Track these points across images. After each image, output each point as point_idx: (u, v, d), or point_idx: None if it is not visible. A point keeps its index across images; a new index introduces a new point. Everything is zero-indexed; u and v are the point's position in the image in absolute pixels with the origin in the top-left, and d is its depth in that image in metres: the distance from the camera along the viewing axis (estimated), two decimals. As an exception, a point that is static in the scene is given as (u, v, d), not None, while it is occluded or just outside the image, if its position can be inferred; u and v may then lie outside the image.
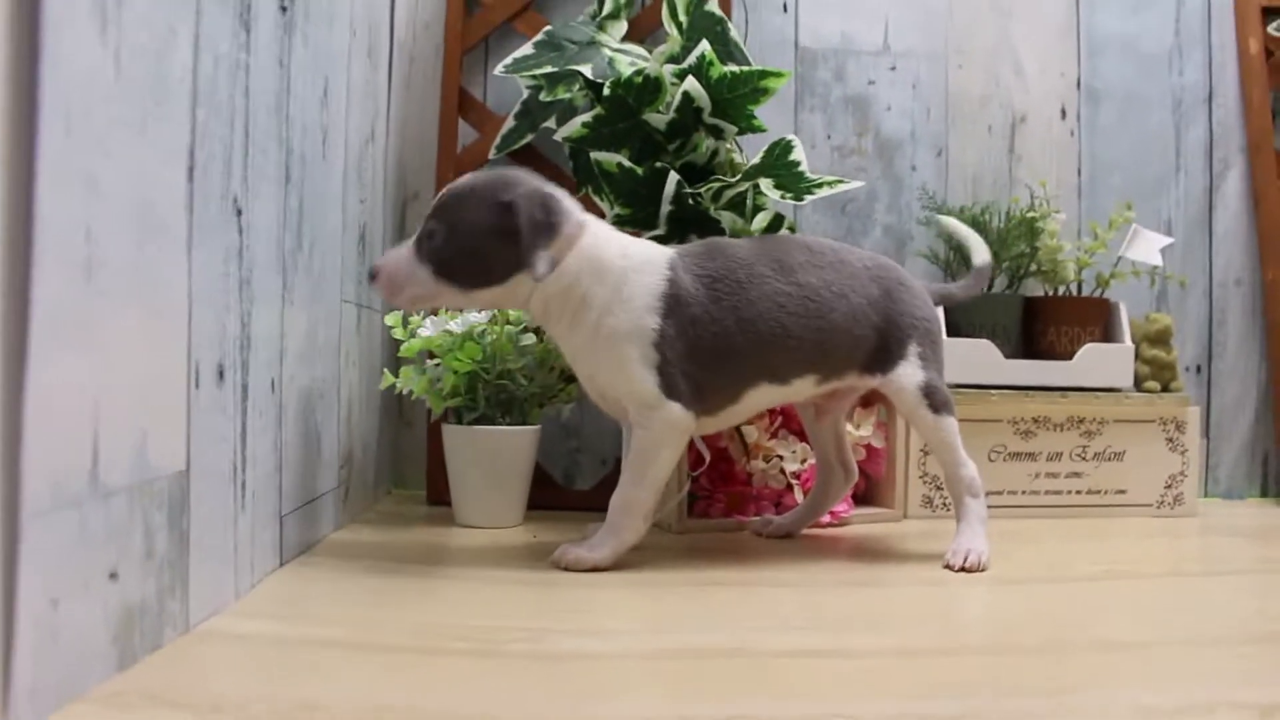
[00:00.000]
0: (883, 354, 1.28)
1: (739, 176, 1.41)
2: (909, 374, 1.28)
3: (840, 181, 1.38)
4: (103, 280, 0.70)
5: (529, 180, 1.18)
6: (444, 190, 1.19)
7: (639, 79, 1.43)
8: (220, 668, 0.79)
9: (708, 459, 1.47)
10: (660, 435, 1.18)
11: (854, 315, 1.26)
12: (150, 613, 0.79)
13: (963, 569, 1.22)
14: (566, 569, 1.18)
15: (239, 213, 0.97)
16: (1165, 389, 1.79)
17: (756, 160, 1.39)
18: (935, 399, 1.29)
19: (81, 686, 0.69)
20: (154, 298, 0.79)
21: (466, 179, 1.20)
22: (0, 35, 0.58)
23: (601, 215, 1.30)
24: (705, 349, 1.19)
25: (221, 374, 0.93)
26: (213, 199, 0.90)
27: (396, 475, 1.81)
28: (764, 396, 1.26)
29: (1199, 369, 1.98)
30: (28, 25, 0.61)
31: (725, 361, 1.20)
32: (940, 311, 1.66)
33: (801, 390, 1.27)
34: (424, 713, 0.70)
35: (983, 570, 1.23)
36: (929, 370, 1.29)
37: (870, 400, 1.50)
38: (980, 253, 1.45)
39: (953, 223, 1.48)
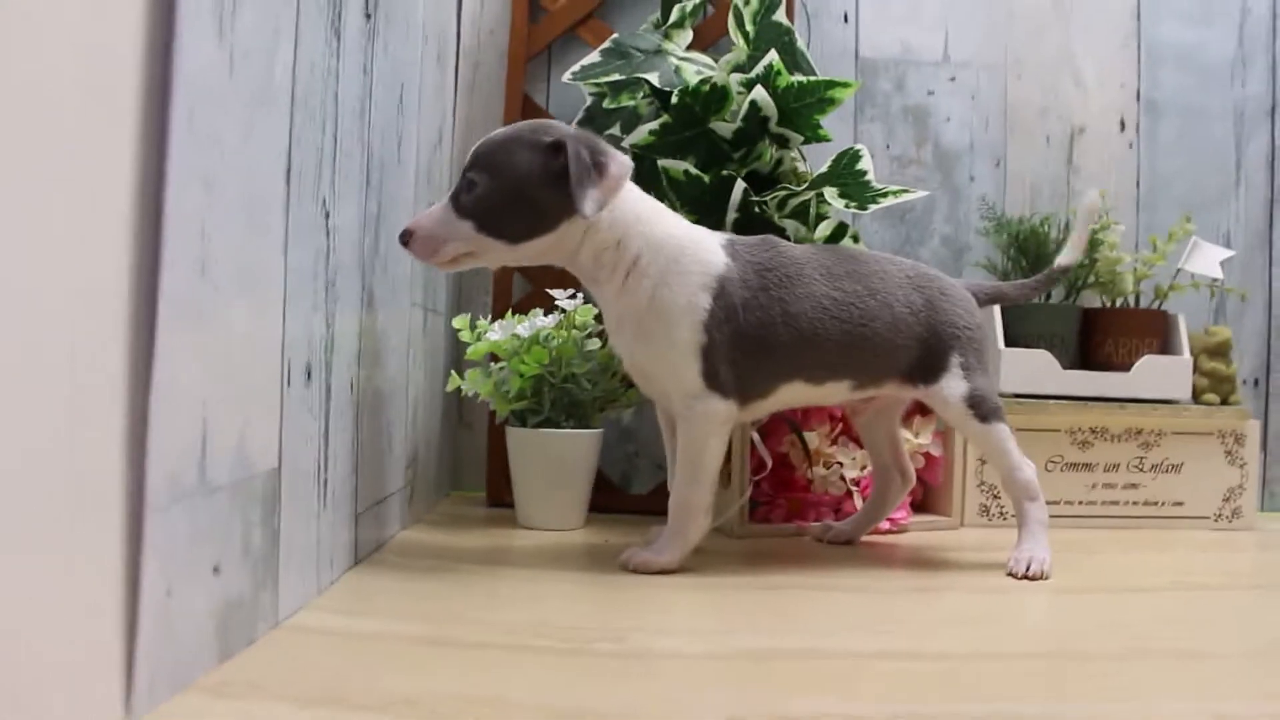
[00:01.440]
0: (924, 365, 1.28)
1: (805, 185, 1.42)
2: (952, 386, 1.27)
3: (905, 191, 1.39)
4: (215, 276, 0.72)
5: (565, 126, 1.18)
6: (481, 142, 1.16)
7: (706, 88, 1.45)
8: (312, 661, 0.81)
9: (769, 464, 1.48)
10: (704, 428, 1.18)
11: (896, 325, 1.25)
12: (246, 606, 0.81)
13: (1025, 576, 1.22)
14: (634, 571, 1.19)
15: (327, 215, 0.99)
16: (1224, 402, 1.79)
17: (824, 169, 1.40)
18: (982, 408, 1.28)
19: (190, 676, 0.70)
20: (256, 295, 0.81)
21: (500, 130, 1.18)
22: (136, 35, 0.60)
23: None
24: (750, 336, 1.19)
25: (309, 373, 0.95)
26: (306, 201, 0.92)
27: (455, 477, 1.83)
28: (795, 394, 1.26)
29: (1257, 382, 1.97)
30: (163, 25, 0.63)
31: (766, 353, 1.20)
32: (997, 319, 1.68)
33: (835, 393, 1.27)
34: (520, 707, 0.71)
35: (1045, 578, 1.23)
36: (973, 379, 1.28)
37: (929, 409, 1.51)
38: (1069, 254, 1.41)
39: (1083, 212, 1.41)
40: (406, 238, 1.14)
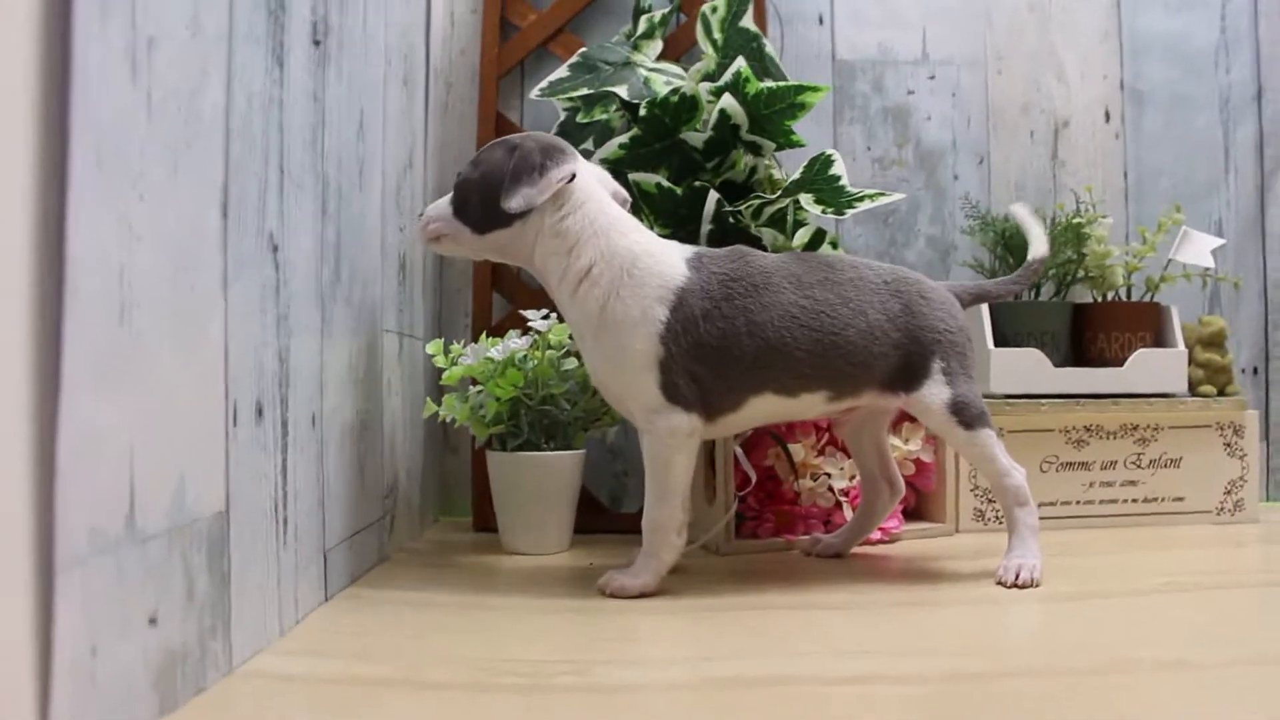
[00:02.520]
0: (905, 372, 1.25)
1: (779, 193, 1.40)
2: (934, 393, 1.24)
3: (881, 194, 1.36)
4: (138, 320, 0.70)
5: (560, 141, 1.23)
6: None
7: (675, 98, 1.43)
8: (262, 708, 0.79)
9: (754, 479, 1.45)
10: (666, 443, 1.17)
11: (871, 333, 1.23)
12: (192, 655, 0.79)
13: (1015, 585, 1.20)
14: (612, 596, 1.17)
15: (275, 248, 0.97)
16: (1221, 393, 1.75)
17: (796, 175, 1.37)
18: (965, 414, 1.25)
19: (124, 733, 0.68)
20: (190, 337, 0.79)
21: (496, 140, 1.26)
22: (31, 84, 0.58)
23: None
24: (712, 347, 1.17)
25: (260, 411, 0.93)
26: (248, 235, 0.90)
27: (443, 502, 1.81)
28: (769, 407, 1.23)
29: (1255, 371, 1.93)
30: (59, 72, 0.61)
31: (730, 363, 1.18)
32: (986, 319, 1.65)
33: (811, 406, 1.24)
34: (467, 753, 0.69)
35: (1036, 586, 1.20)
36: (955, 385, 1.25)
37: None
38: (1037, 246, 1.38)
39: (1020, 211, 1.42)
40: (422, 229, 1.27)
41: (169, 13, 0.74)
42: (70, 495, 0.61)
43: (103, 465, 0.66)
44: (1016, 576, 1.20)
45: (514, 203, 1.15)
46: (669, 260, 1.19)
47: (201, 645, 0.80)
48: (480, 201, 1.21)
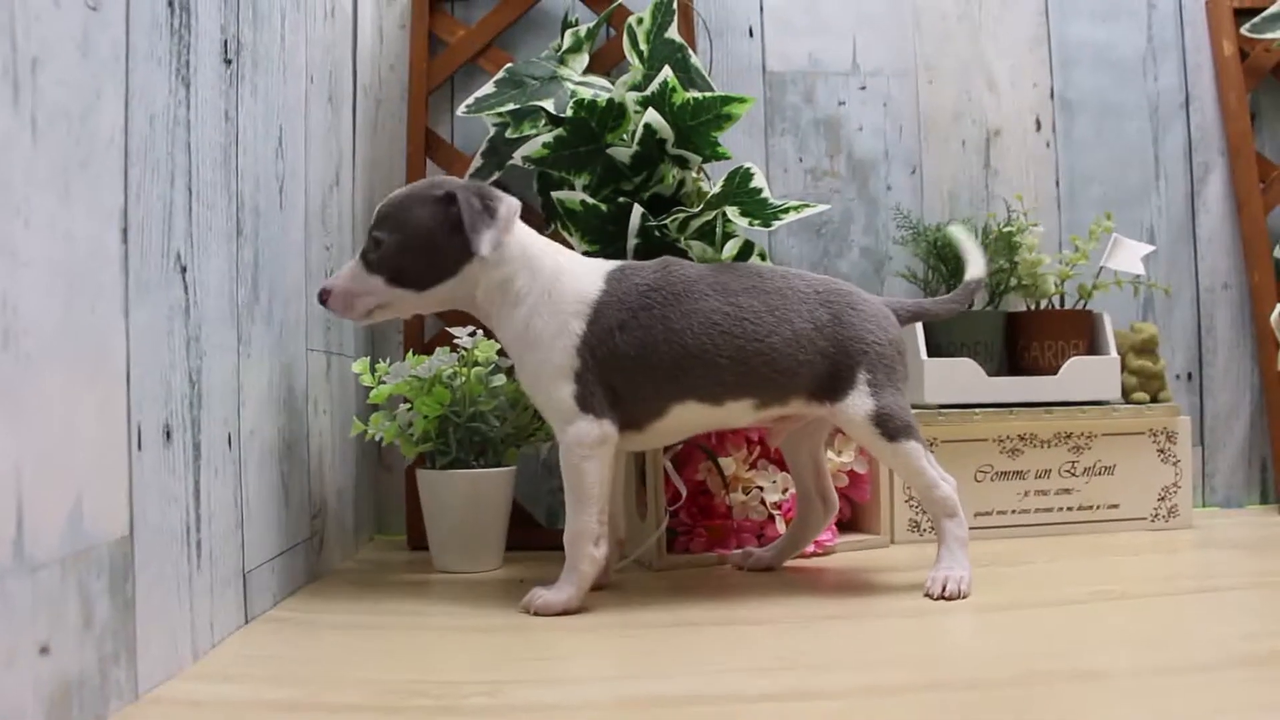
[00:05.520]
0: (830, 381, 1.25)
1: (703, 206, 1.40)
2: (857, 403, 1.24)
3: (806, 205, 1.37)
4: (24, 346, 0.69)
5: (457, 179, 1.25)
6: (382, 203, 1.23)
7: (602, 102, 1.42)
8: (165, 737, 0.77)
9: (685, 493, 1.45)
10: (577, 451, 1.18)
11: (797, 340, 1.23)
12: (90, 684, 0.77)
13: (942, 597, 1.20)
14: (536, 614, 1.16)
15: (183, 270, 0.96)
16: (1154, 399, 1.77)
17: (718, 189, 1.37)
18: (889, 426, 1.25)
19: (11, 767, 0.67)
20: (87, 361, 0.77)
21: (399, 191, 1.24)
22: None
23: (571, 249, 1.29)
24: (628, 356, 1.19)
25: (169, 433, 0.92)
26: (152, 257, 0.89)
27: (379, 521, 1.80)
28: (695, 416, 1.23)
29: (1190, 376, 1.95)
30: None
31: (648, 371, 1.19)
32: (919, 329, 1.66)
33: (738, 414, 1.25)
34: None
35: (964, 597, 1.20)
36: (881, 396, 1.25)
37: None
38: (975, 267, 1.39)
39: (957, 233, 1.44)
40: (324, 297, 1.22)
41: (55, 32, 0.73)
42: (-55, 525, 0.60)
43: (-16, 494, 0.64)
44: (944, 588, 1.21)
45: (485, 246, 1.16)
46: (587, 277, 1.22)
47: (102, 673, 0.79)
48: (418, 261, 1.20)
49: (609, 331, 1.19)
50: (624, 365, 1.19)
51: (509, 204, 1.20)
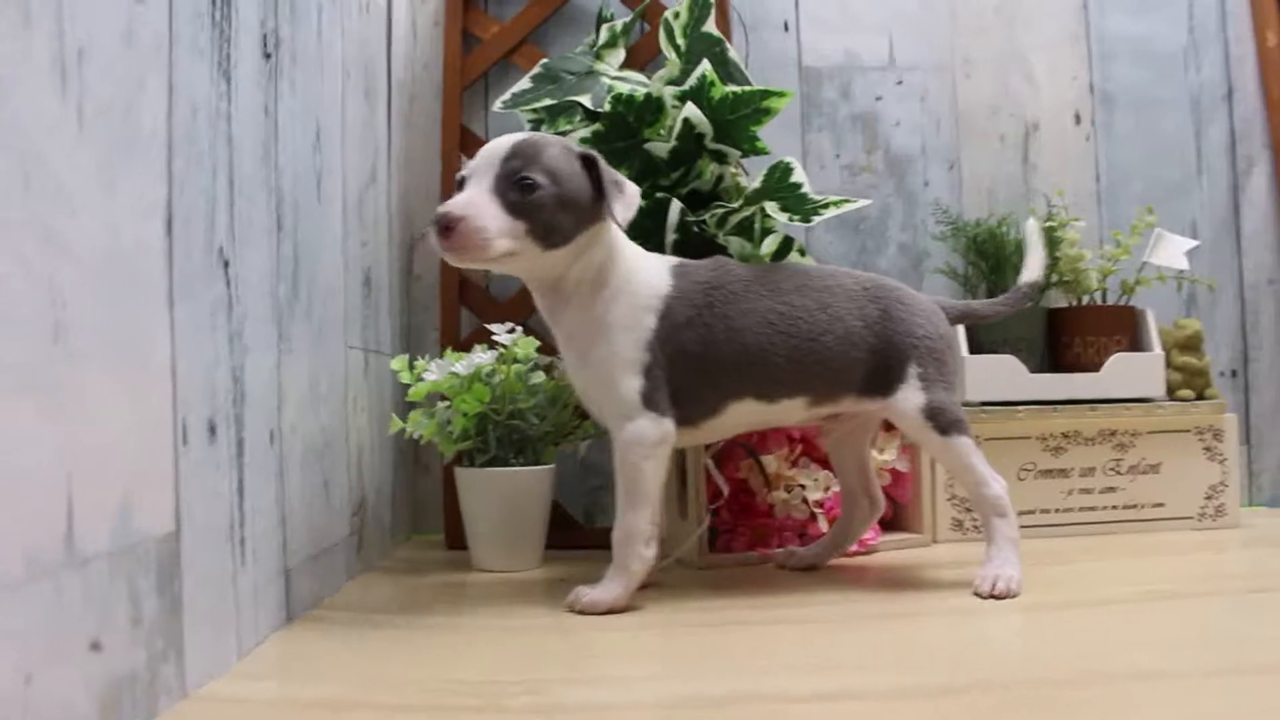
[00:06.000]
0: (881, 376, 1.25)
1: (742, 201, 1.38)
2: (909, 397, 1.24)
3: (846, 201, 1.35)
4: (73, 340, 0.68)
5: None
6: (519, 143, 1.13)
7: (640, 96, 1.41)
8: (214, 736, 0.76)
9: (726, 492, 1.43)
10: (637, 450, 1.16)
11: (848, 338, 1.23)
12: (141, 681, 0.76)
13: (991, 595, 1.18)
14: (581, 613, 1.14)
15: (226, 264, 0.95)
16: (1200, 396, 1.74)
17: (757, 184, 1.36)
18: (941, 420, 1.24)
19: (62, 764, 0.66)
20: (133, 356, 0.77)
21: (534, 135, 1.16)
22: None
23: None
24: (691, 354, 1.18)
25: (213, 429, 0.91)
26: (196, 251, 0.88)
27: (416, 520, 1.79)
28: (749, 413, 1.23)
29: (1234, 373, 1.92)
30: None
31: (709, 369, 1.19)
32: (961, 327, 1.64)
33: (791, 411, 1.25)
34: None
35: (1013, 596, 1.18)
36: (932, 391, 1.24)
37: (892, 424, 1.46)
38: (1031, 270, 1.38)
39: (1031, 231, 1.41)
40: (449, 224, 1.07)
41: (101, 22, 0.72)
42: (2, 519, 0.59)
43: (37, 488, 0.63)
44: (993, 586, 1.19)
45: (624, 215, 1.13)
46: (657, 271, 1.22)
47: (151, 670, 0.78)
48: (563, 217, 1.13)
49: (677, 328, 1.18)
50: (687, 363, 1.18)
51: (632, 183, 1.19)
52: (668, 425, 1.17)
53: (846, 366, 1.23)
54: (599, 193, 1.15)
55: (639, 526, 1.16)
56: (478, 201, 1.09)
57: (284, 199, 1.12)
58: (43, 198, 0.65)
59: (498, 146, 1.13)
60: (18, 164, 0.62)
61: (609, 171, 1.15)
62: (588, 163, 1.15)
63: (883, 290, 1.28)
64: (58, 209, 0.67)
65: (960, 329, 1.66)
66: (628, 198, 1.16)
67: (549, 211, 1.12)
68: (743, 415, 1.23)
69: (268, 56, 1.08)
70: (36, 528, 0.63)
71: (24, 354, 0.62)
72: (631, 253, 1.21)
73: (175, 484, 0.83)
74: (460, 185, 1.15)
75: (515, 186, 1.11)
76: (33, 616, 0.63)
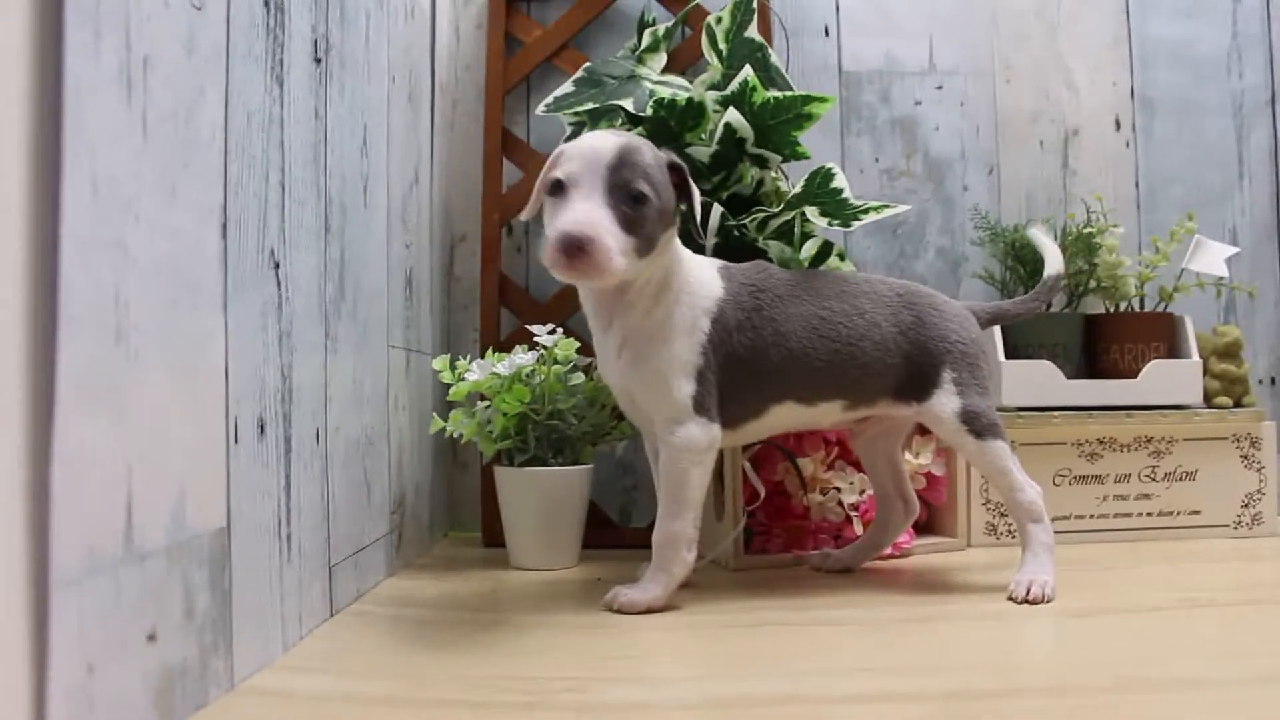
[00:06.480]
0: (916, 381, 1.26)
1: (782, 205, 1.39)
2: (944, 401, 1.25)
3: (886, 206, 1.36)
4: (134, 342, 0.70)
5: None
6: (622, 150, 1.09)
7: (682, 101, 1.42)
8: (264, 727, 0.78)
9: (763, 494, 1.45)
10: (686, 456, 1.16)
11: (885, 343, 1.24)
12: (192, 672, 0.79)
13: (1026, 600, 1.18)
14: (619, 612, 1.16)
15: (276, 266, 0.97)
16: (1238, 404, 1.73)
17: (798, 189, 1.37)
18: (977, 424, 1.25)
19: (121, 753, 0.68)
20: (188, 356, 0.79)
21: (630, 138, 1.13)
22: (23, 108, 0.58)
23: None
24: (740, 358, 1.19)
25: (262, 428, 0.93)
26: (249, 254, 0.90)
27: (453, 518, 1.81)
28: (788, 415, 1.24)
29: (1274, 381, 1.91)
30: (51, 95, 0.61)
31: (755, 373, 1.20)
32: (996, 331, 1.64)
33: (828, 414, 1.26)
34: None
35: (1048, 601, 1.19)
36: (967, 395, 1.25)
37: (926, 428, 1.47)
38: (1053, 264, 1.39)
39: (1035, 233, 1.44)
40: (578, 246, 1.03)
41: (164, 32, 0.75)
42: (66, 515, 0.61)
43: (98, 485, 0.66)
44: (1028, 592, 1.19)
45: (706, 227, 1.15)
46: (709, 273, 1.22)
47: (202, 662, 0.80)
48: (660, 229, 1.12)
49: (729, 331, 1.19)
50: (736, 366, 1.19)
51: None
52: (716, 431, 1.17)
53: (883, 371, 1.24)
54: (679, 198, 1.16)
55: (683, 530, 1.17)
56: (598, 218, 1.05)
57: (332, 201, 1.14)
58: (109, 206, 0.67)
59: (601, 151, 1.09)
60: (87, 174, 0.64)
61: (692, 181, 1.15)
62: (674, 169, 1.15)
63: (916, 296, 1.29)
64: (122, 215, 0.69)
65: (997, 333, 1.66)
66: (697, 205, 1.16)
67: (651, 224, 1.10)
68: (783, 418, 1.24)
69: (318, 61, 1.10)
70: (97, 523, 0.66)
71: (88, 356, 0.64)
72: (687, 254, 1.22)
73: (227, 481, 0.85)
74: (557, 189, 1.10)
75: (628, 199, 1.07)
76: (93, 610, 0.65)
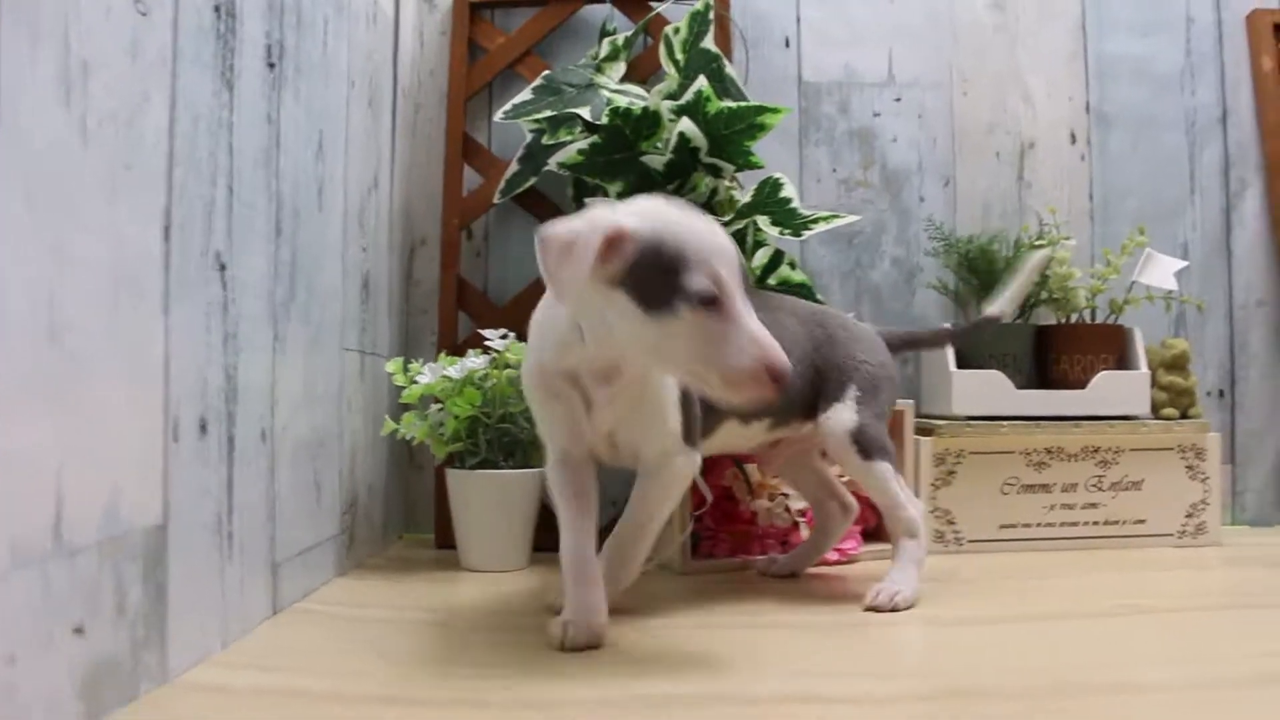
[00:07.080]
0: (821, 397, 1.28)
1: (733, 214, 1.41)
2: (841, 416, 1.26)
3: (836, 216, 1.38)
4: (70, 342, 0.72)
5: None
6: (730, 245, 0.99)
7: (637, 110, 1.44)
8: (193, 719, 0.80)
9: (710, 499, 1.46)
10: (680, 486, 1.16)
11: (804, 359, 1.26)
12: (123, 666, 0.80)
13: (873, 608, 1.20)
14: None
15: (223, 268, 0.98)
16: (1184, 415, 1.76)
17: (747, 199, 1.39)
18: (865, 444, 1.26)
19: (45, 743, 0.70)
20: (128, 356, 0.80)
21: (713, 222, 1.01)
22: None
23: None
24: None
25: (204, 427, 0.95)
26: (192, 256, 0.92)
27: (409, 520, 1.82)
28: (729, 434, 1.25)
29: (1222, 393, 1.94)
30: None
31: None
32: (954, 352, 1.66)
33: (756, 433, 1.28)
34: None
35: (907, 609, 1.21)
36: (864, 414, 1.27)
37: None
38: (1000, 305, 1.41)
39: (1029, 262, 1.45)
40: (781, 376, 0.93)
41: (106, 37, 0.76)
42: (-11, 510, 0.63)
43: (26, 480, 0.67)
44: (885, 598, 1.21)
45: None
46: None
47: (134, 656, 0.82)
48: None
49: None
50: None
51: None
52: (698, 458, 1.17)
53: (802, 387, 1.27)
54: None
55: (644, 554, 1.17)
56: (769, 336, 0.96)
57: (284, 205, 1.15)
58: (46, 211, 0.68)
59: (733, 252, 0.99)
60: (20, 181, 0.66)
61: None
62: None
63: (828, 316, 1.33)
64: (60, 218, 0.70)
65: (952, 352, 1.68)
66: None
67: None
68: (725, 437, 1.25)
69: (271, 66, 1.11)
70: (23, 520, 0.67)
71: (19, 355, 0.66)
72: None
73: (164, 478, 0.87)
74: (711, 302, 0.94)
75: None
76: (18, 602, 0.66)
